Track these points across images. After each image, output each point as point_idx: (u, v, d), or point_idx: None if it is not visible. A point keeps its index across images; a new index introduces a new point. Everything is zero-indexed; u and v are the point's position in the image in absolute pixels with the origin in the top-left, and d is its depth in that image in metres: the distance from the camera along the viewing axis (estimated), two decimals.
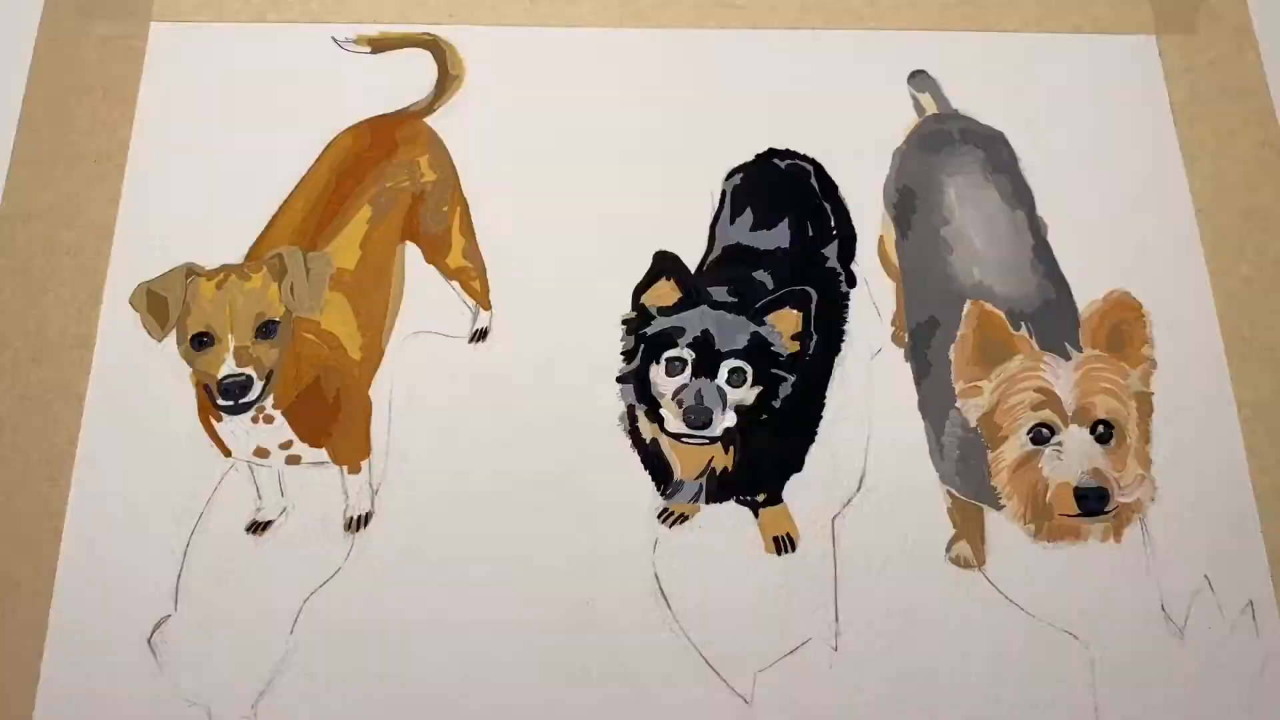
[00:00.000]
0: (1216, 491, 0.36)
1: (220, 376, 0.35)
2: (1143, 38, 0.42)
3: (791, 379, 0.36)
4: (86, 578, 0.33)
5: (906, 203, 0.39)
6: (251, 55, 0.40)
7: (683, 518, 0.39)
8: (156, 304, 0.36)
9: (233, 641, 0.33)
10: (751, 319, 0.37)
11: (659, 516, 0.39)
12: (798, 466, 0.39)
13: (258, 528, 0.33)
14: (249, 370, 0.35)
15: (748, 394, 0.37)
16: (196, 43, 0.40)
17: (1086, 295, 0.38)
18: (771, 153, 0.39)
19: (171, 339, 0.36)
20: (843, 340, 0.37)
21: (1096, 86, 0.41)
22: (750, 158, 0.40)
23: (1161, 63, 0.42)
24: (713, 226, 0.38)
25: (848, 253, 0.38)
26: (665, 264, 0.37)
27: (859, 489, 0.35)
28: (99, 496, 0.34)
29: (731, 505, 0.38)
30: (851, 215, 0.39)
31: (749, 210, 0.39)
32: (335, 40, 0.40)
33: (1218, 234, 0.39)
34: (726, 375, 0.37)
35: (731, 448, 0.37)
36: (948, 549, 0.34)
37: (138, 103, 0.39)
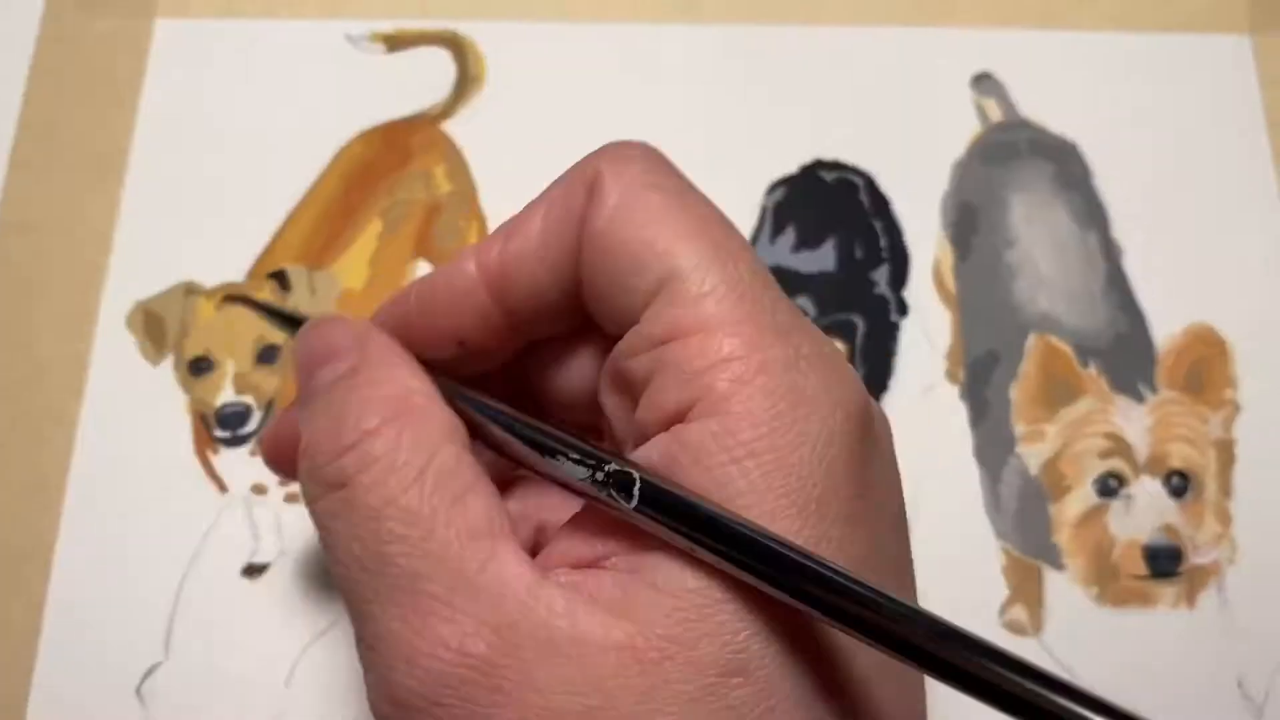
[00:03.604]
0: None
1: (218, 405, 0.33)
2: (1235, 38, 0.38)
3: None
4: (75, 619, 0.31)
5: (966, 222, 0.35)
6: (260, 54, 0.38)
7: None
8: (154, 325, 0.34)
9: (225, 694, 0.30)
10: None
11: None
12: None
13: (253, 571, 0.31)
14: (248, 399, 0.33)
15: None
16: (203, 40, 0.38)
17: (1164, 329, 0.34)
18: (818, 164, 0.36)
19: (168, 363, 0.34)
20: (891, 375, 0.34)
21: (1182, 92, 0.37)
22: (794, 169, 0.36)
23: (1256, 66, 0.38)
24: (751, 245, 0.35)
25: (899, 277, 0.35)
26: None
27: None
28: (90, 532, 0.32)
29: None
30: (905, 235, 0.35)
31: (791, 229, 0.35)
32: (349, 37, 0.37)
33: None
34: None
35: None
36: (1001, 612, 0.31)
37: (140, 105, 0.37)
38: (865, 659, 0.19)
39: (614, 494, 0.18)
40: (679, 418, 0.19)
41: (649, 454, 0.19)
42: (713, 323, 0.19)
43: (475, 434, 0.21)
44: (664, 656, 0.17)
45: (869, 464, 0.19)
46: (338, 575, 0.20)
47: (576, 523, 0.20)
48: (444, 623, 0.18)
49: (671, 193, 0.21)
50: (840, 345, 0.34)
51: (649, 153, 0.22)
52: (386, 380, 0.21)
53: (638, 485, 0.18)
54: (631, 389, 0.20)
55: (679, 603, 0.18)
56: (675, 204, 0.21)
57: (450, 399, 0.21)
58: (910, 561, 0.22)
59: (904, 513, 0.21)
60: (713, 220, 0.21)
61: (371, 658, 0.19)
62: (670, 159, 0.23)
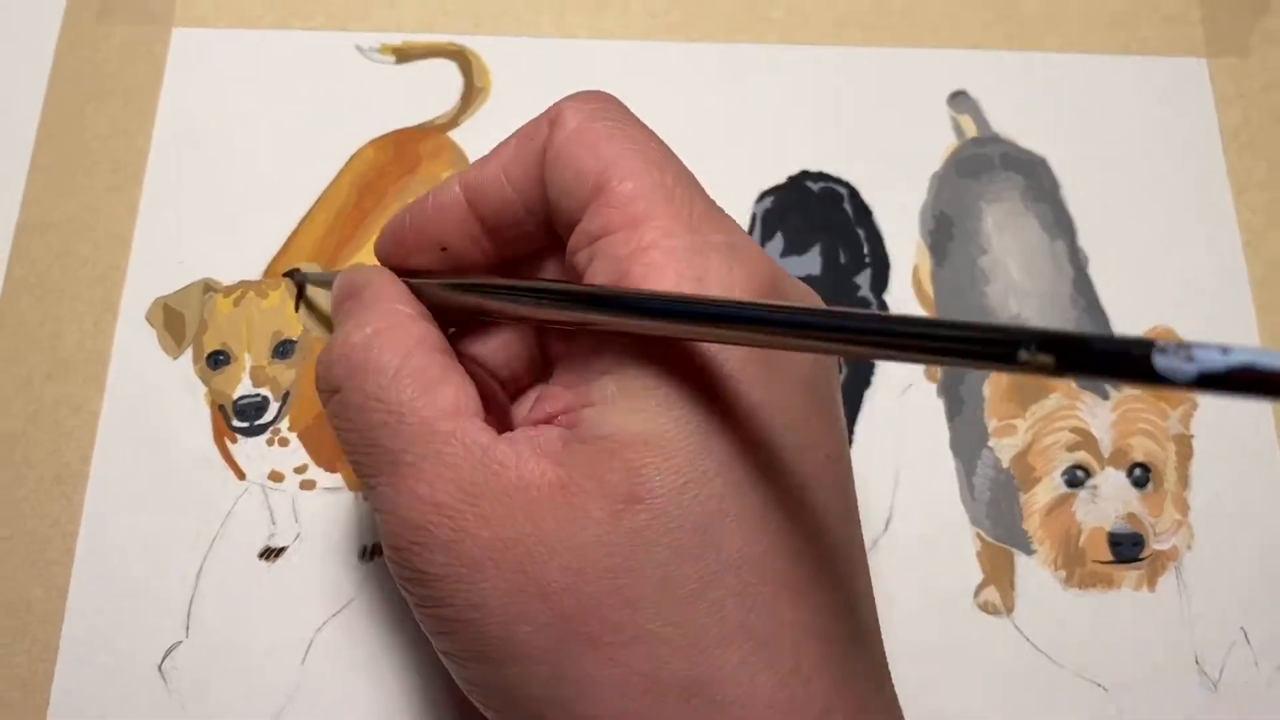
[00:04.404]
0: (1256, 540, 0.34)
1: (236, 396, 0.34)
2: (1192, 60, 0.41)
3: None
4: (99, 601, 0.33)
5: (943, 230, 0.38)
6: (273, 63, 0.39)
7: None
8: (173, 320, 0.35)
9: (243, 671, 0.32)
10: None
11: None
12: None
13: (271, 554, 0.33)
14: (265, 390, 0.34)
15: None
16: (218, 49, 0.39)
17: (1127, 331, 0.37)
18: (805, 175, 0.38)
19: (187, 357, 0.35)
20: (873, 373, 0.36)
21: (1142, 110, 0.40)
22: (782, 179, 0.38)
23: (1211, 87, 0.40)
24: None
25: (881, 282, 0.37)
26: None
27: (885, 530, 0.34)
28: (112, 518, 0.33)
29: None
30: (886, 242, 0.38)
31: (779, 235, 0.37)
32: (359, 49, 0.39)
33: (1266, 269, 0.37)
34: None
35: None
36: (975, 594, 0.33)
37: (157, 111, 0.38)
38: (754, 495, 0.22)
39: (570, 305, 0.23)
40: None
41: None
42: (638, 219, 0.23)
43: (478, 310, 0.26)
44: (581, 489, 0.22)
45: None
46: (349, 461, 0.25)
47: (541, 394, 0.25)
48: (419, 483, 0.23)
49: (618, 123, 0.25)
50: None
51: (605, 97, 0.26)
52: (375, 305, 0.26)
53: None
54: (578, 279, 0.24)
55: (595, 447, 0.22)
56: (619, 132, 0.25)
57: (439, 292, 0.27)
58: (831, 453, 0.25)
59: (821, 375, 0.25)
60: (649, 142, 0.25)
61: (378, 517, 0.24)
62: (625, 105, 0.26)
